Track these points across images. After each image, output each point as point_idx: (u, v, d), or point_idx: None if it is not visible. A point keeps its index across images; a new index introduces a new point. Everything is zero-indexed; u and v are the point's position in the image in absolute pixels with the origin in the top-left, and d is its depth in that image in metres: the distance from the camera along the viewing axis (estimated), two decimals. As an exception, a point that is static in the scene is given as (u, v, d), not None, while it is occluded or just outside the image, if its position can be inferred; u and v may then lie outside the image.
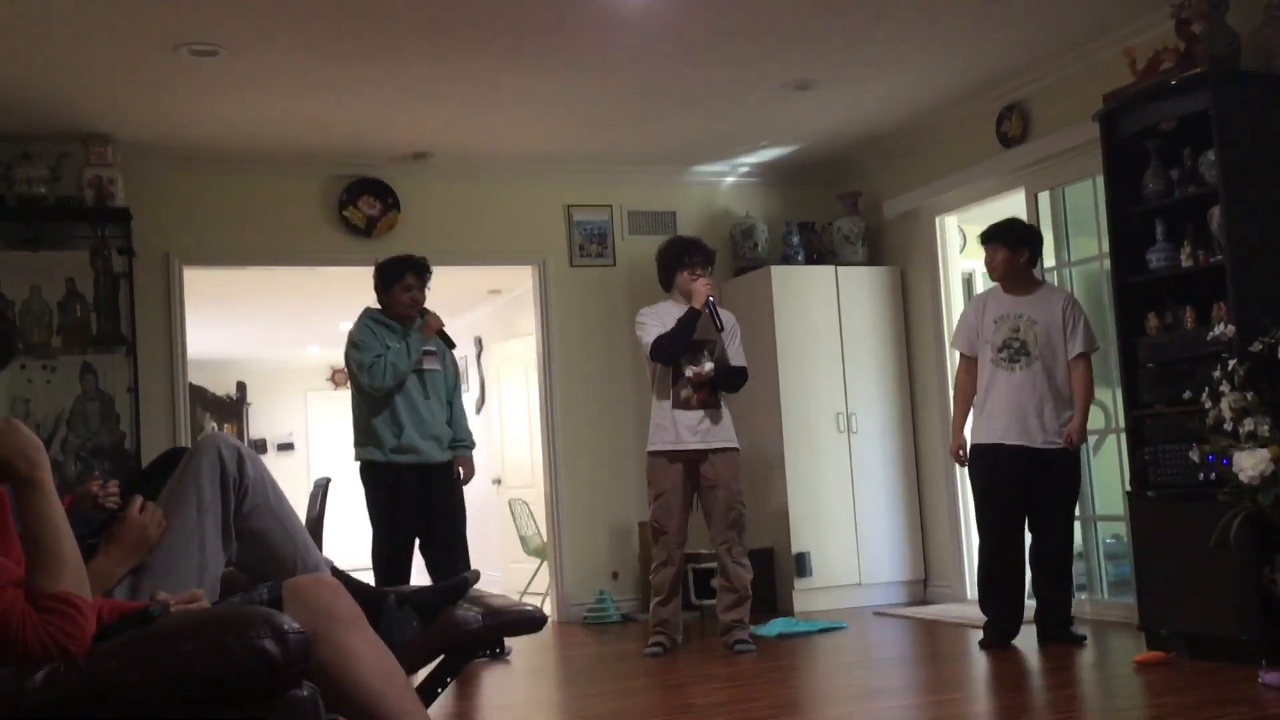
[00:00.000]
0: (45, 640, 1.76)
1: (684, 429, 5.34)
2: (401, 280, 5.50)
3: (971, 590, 6.73)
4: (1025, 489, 5.04)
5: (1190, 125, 4.70)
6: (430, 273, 5.62)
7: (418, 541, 5.56)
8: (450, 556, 5.45)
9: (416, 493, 5.48)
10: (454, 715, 4.46)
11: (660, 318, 5.42)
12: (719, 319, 5.38)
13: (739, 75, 5.77)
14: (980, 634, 5.18)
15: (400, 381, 5.44)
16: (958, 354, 5.48)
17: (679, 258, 5.46)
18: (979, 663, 5.06)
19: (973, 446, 5.19)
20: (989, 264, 5.24)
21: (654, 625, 5.44)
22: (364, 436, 5.54)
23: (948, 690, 4.55)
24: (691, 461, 5.37)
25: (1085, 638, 5.08)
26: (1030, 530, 5.12)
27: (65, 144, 5.99)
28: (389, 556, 5.47)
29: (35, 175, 5.92)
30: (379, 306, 5.62)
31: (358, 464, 5.58)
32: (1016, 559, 5.09)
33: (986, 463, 5.11)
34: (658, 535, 5.40)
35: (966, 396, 5.30)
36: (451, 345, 5.73)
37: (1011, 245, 5.17)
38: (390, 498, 5.48)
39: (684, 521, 5.40)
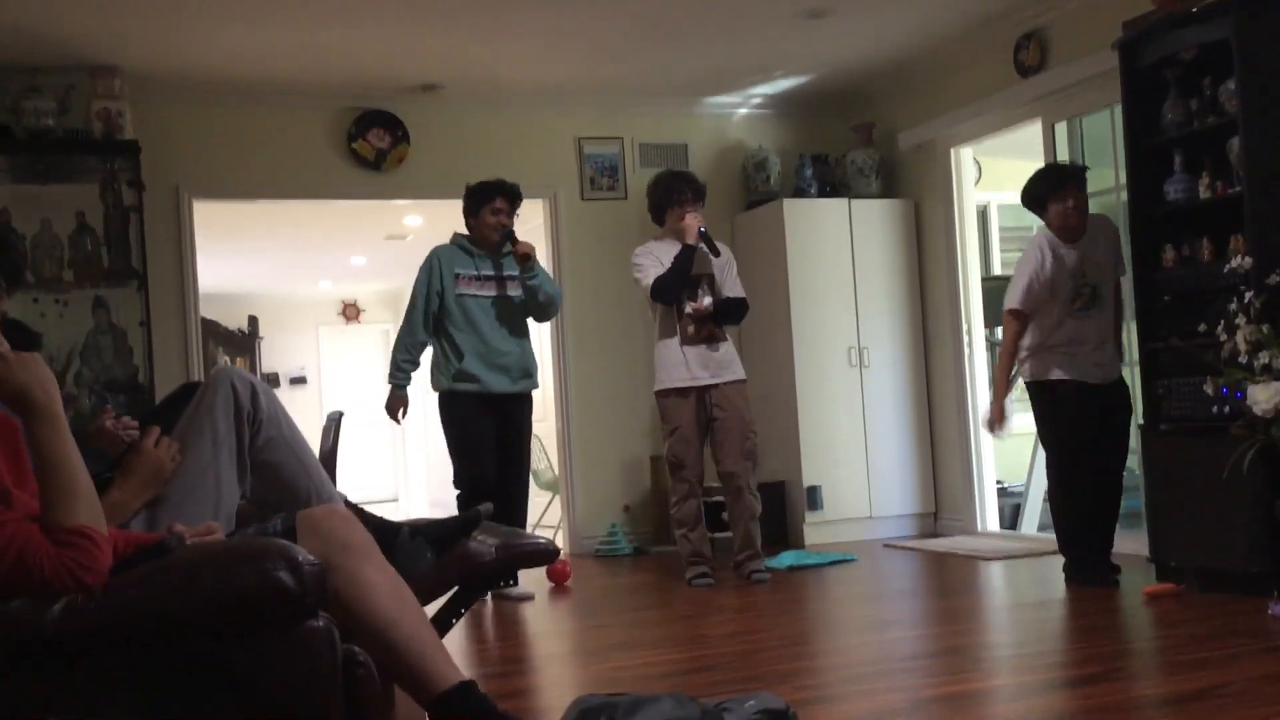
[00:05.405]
0: (62, 573, 1.77)
1: (694, 364, 5.39)
2: (491, 203, 5.45)
3: (983, 523, 6.77)
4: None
5: (1211, 54, 4.62)
6: (521, 199, 5.57)
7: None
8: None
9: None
10: (467, 646, 4.51)
11: (656, 256, 5.45)
12: (715, 247, 5.40)
13: (751, 3, 5.68)
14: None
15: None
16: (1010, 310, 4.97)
17: (668, 195, 5.47)
18: (989, 594, 5.09)
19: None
20: (1077, 209, 4.90)
21: (689, 557, 5.50)
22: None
23: (957, 622, 4.58)
24: (702, 395, 5.42)
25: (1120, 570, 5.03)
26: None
27: (72, 76, 5.95)
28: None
29: (43, 107, 5.89)
30: (465, 231, 5.55)
31: None
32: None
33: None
34: (676, 469, 5.47)
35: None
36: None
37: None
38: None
39: (700, 453, 5.47)
